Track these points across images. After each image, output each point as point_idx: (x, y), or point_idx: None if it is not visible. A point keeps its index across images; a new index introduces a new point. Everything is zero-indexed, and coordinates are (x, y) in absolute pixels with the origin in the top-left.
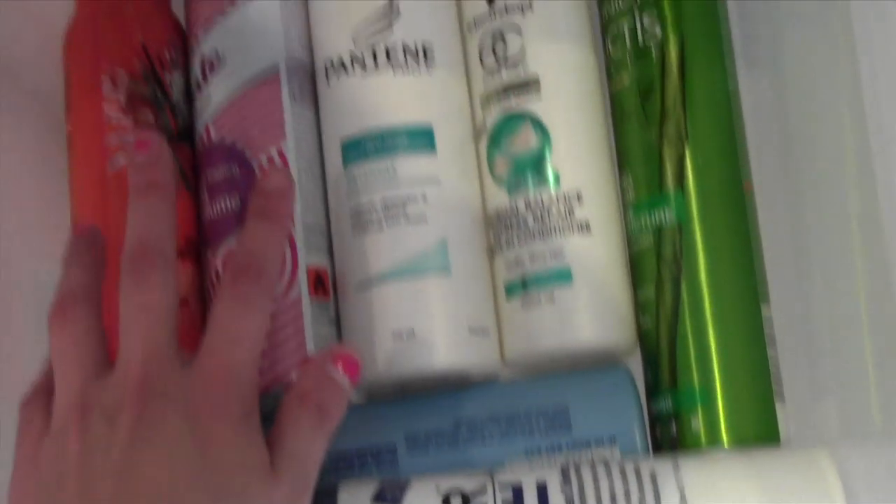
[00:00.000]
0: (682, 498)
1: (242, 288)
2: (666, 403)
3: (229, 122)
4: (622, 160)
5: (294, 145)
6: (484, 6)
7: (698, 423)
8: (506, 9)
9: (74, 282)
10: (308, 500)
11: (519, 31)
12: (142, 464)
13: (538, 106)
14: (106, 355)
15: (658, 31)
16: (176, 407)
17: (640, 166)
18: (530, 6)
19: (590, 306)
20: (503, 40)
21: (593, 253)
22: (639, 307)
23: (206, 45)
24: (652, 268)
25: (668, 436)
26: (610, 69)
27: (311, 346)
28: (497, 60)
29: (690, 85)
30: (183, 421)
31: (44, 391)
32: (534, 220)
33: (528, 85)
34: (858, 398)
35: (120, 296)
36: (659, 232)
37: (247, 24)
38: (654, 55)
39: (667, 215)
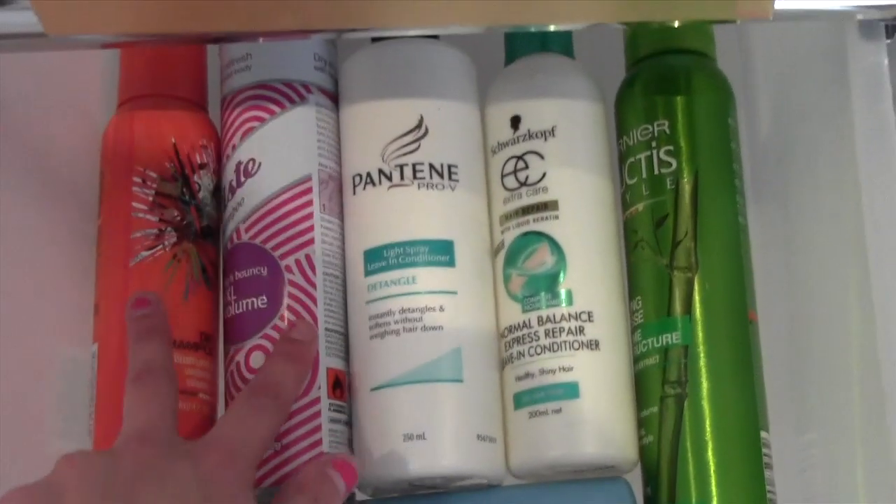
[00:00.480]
0: None
1: (258, 400)
2: None
3: (261, 225)
4: (633, 283)
5: (321, 252)
6: (508, 131)
7: None
8: (529, 134)
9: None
10: None
11: (541, 156)
12: (144, 497)
13: (555, 227)
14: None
15: (674, 162)
16: (180, 456)
17: (650, 290)
18: (553, 133)
19: (595, 421)
20: (525, 163)
21: (601, 370)
22: (641, 424)
23: (242, 151)
24: (657, 387)
25: None
26: (626, 197)
27: (326, 445)
28: (518, 182)
29: (702, 215)
30: (190, 467)
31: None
32: (545, 335)
33: (547, 207)
34: None
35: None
36: (665, 353)
37: (284, 134)
38: (668, 185)
39: (673, 338)
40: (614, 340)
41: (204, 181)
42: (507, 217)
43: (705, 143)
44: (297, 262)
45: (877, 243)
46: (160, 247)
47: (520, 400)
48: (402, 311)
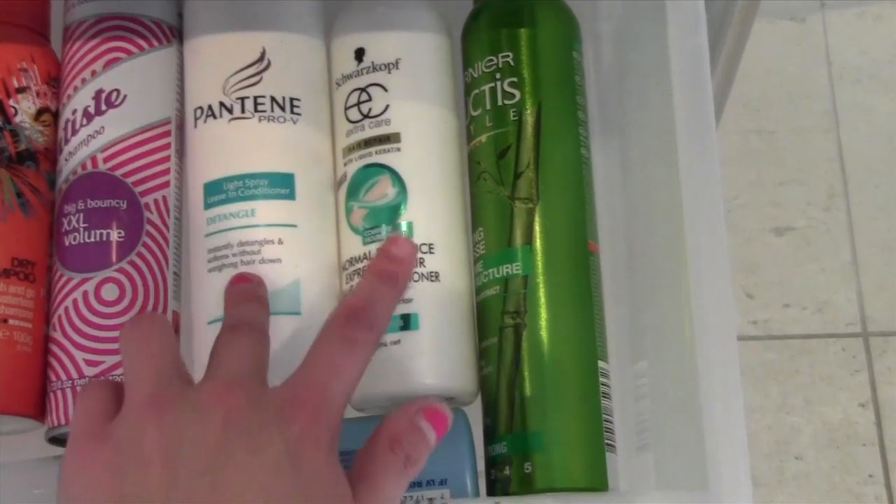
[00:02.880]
0: None
1: (353, 332)
2: (501, 448)
3: (123, 158)
4: (475, 215)
5: (174, 196)
6: (353, 63)
7: (531, 468)
8: (373, 66)
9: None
10: None
11: (385, 88)
12: (234, 468)
13: (397, 160)
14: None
15: (517, 94)
16: (269, 417)
17: (492, 221)
18: (396, 65)
19: (434, 352)
20: (368, 96)
21: (441, 302)
22: (482, 355)
23: (105, 80)
24: (497, 318)
25: (502, 480)
26: (470, 129)
27: None
28: (361, 114)
29: (544, 147)
30: (278, 432)
31: (112, 385)
32: None
33: (389, 139)
34: (672, 454)
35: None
36: (506, 284)
37: (151, 72)
38: (511, 117)
39: (514, 269)
40: (455, 272)
41: (23, 105)
42: (350, 149)
43: (549, 75)
44: (156, 201)
45: (690, 189)
46: None
47: None
48: (241, 244)
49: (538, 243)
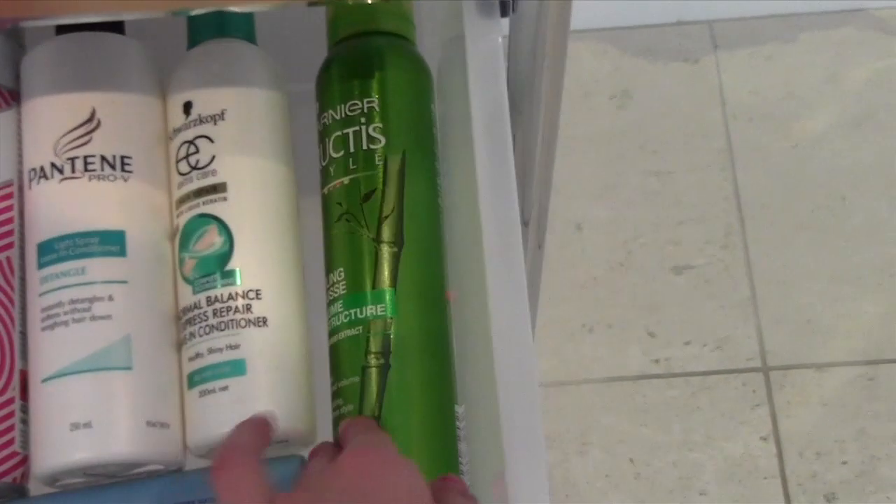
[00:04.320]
0: None
1: None
2: None
3: None
4: (332, 256)
5: (18, 256)
6: (181, 116)
7: None
8: (200, 119)
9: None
10: None
11: (211, 140)
12: None
13: (224, 209)
14: None
15: (383, 139)
16: None
17: (353, 263)
18: (222, 117)
19: (264, 397)
20: (196, 148)
21: (269, 346)
22: (339, 394)
23: None
24: (358, 358)
25: None
26: (328, 170)
27: (18, 444)
28: (190, 166)
29: (408, 193)
30: None
31: None
32: (214, 314)
33: (216, 189)
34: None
35: None
36: (368, 325)
37: None
38: (376, 161)
39: (378, 310)
40: (285, 316)
41: None
42: (181, 201)
43: (412, 124)
44: (0, 263)
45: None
46: None
47: (192, 379)
48: (72, 301)
49: (403, 287)
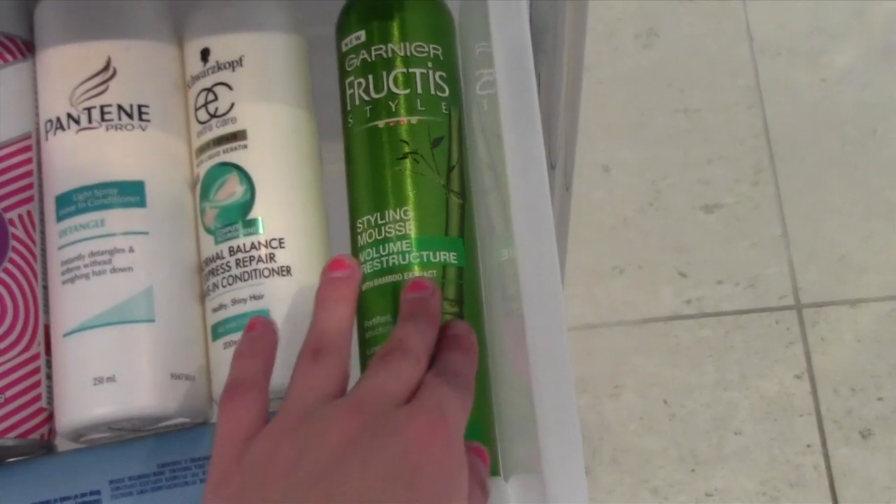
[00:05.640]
0: None
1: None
2: None
3: None
4: (395, 192)
5: (39, 209)
6: (199, 64)
7: None
8: (217, 66)
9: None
10: None
11: (230, 87)
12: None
13: (244, 157)
14: None
15: (447, 89)
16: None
17: (424, 205)
18: (240, 63)
19: (289, 346)
20: (214, 95)
21: (293, 296)
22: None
23: None
24: None
25: None
26: (388, 103)
27: (44, 400)
28: (209, 114)
29: (465, 150)
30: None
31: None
32: (237, 264)
33: (236, 137)
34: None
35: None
36: (444, 270)
37: (8, 87)
38: (442, 109)
39: (451, 257)
40: (310, 265)
41: None
42: (201, 150)
43: (459, 78)
44: (20, 216)
45: (517, 184)
46: None
47: (216, 331)
48: (92, 254)
49: (468, 240)
